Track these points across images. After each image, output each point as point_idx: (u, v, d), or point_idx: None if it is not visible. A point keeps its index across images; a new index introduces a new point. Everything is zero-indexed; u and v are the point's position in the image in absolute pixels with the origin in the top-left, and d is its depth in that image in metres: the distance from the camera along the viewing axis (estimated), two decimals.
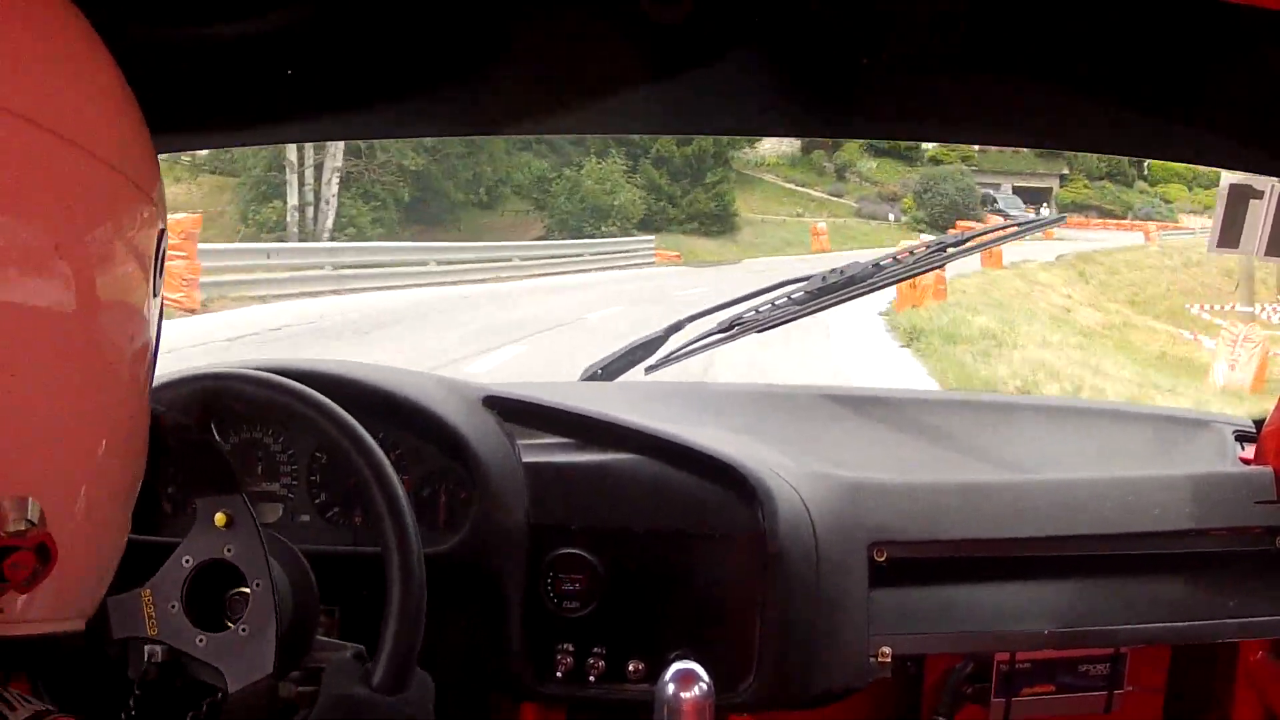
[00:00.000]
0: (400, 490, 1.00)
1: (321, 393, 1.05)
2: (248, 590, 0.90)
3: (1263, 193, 1.83)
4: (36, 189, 0.54)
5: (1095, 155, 32.05)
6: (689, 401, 1.59)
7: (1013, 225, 2.05)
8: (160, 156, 0.68)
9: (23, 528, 0.53)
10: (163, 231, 0.65)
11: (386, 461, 1.01)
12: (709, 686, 1.09)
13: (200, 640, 0.89)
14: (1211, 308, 16.29)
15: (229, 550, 0.91)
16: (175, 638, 0.89)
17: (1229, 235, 1.88)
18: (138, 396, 0.64)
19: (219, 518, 0.91)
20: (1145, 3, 0.84)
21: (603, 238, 24.70)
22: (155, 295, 0.64)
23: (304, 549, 1.00)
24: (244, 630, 0.89)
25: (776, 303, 1.66)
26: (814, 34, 0.95)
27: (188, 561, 0.91)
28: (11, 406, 0.54)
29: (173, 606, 0.90)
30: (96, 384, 0.60)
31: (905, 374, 9.64)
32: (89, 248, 0.57)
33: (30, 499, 0.54)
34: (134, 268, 0.61)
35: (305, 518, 1.27)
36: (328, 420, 1.03)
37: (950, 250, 1.69)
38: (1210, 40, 0.88)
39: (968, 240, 1.72)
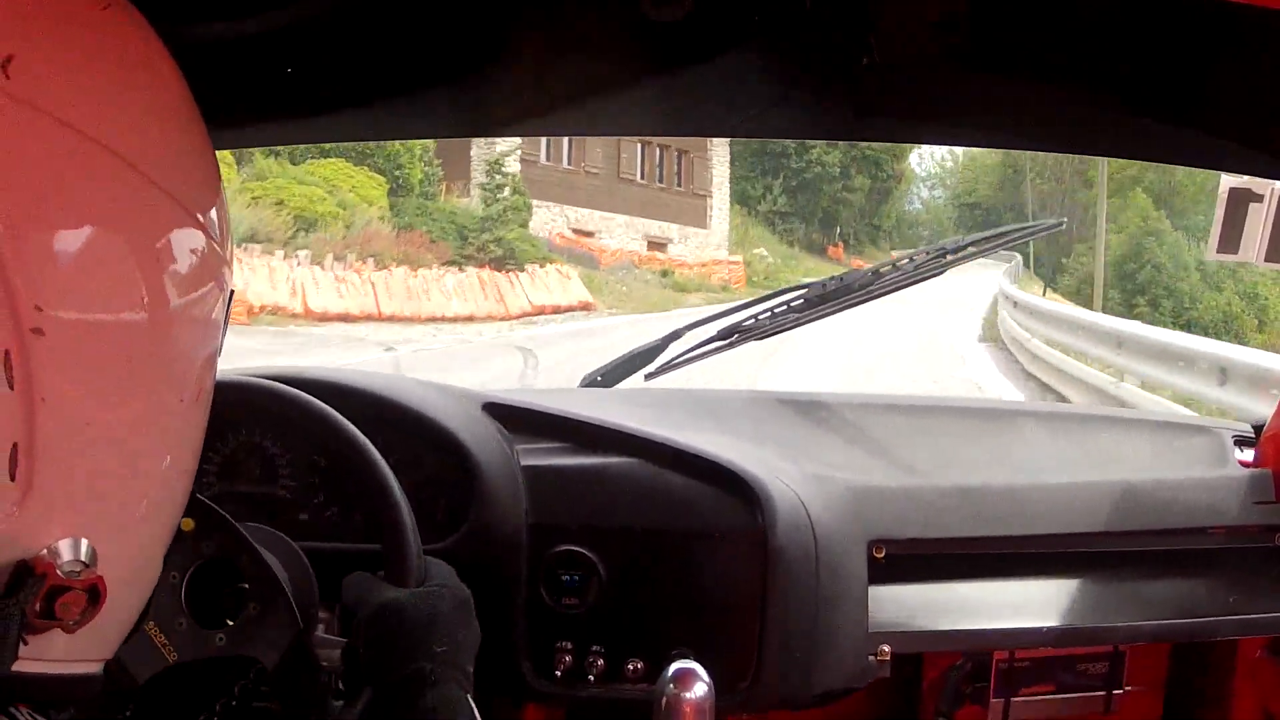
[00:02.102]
0: (400, 494, 1.00)
1: (321, 400, 1.06)
2: (241, 572, 0.90)
3: (1262, 196, 1.83)
4: (139, 246, 0.57)
5: None
6: (688, 407, 1.59)
7: (1013, 230, 2.04)
8: None
9: (77, 569, 0.55)
10: (232, 293, 0.68)
11: (386, 466, 1.01)
12: (709, 686, 1.09)
13: (220, 639, 0.89)
14: None
15: (207, 548, 0.90)
16: (197, 651, 0.89)
17: (1228, 240, 1.88)
18: (192, 454, 0.67)
19: (185, 523, 0.89)
20: (1146, 3, 0.84)
21: None
22: (219, 353, 0.67)
23: (302, 546, 1.00)
24: (255, 609, 0.90)
25: (776, 311, 1.66)
26: (815, 34, 0.95)
27: (175, 578, 0.90)
28: (86, 453, 0.55)
29: (180, 624, 0.89)
30: (160, 438, 0.62)
31: None
32: (173, 306, 0.60)
33: (85, 540, 0.55)
34: (210, 327, 0.64)
35: (304, 517, 1.27)
36: (326, 427, 1.03)
37: (950, 257, 1.69)
38: (1211, 41, 0.87)
39: (967, 245, 1.72)
